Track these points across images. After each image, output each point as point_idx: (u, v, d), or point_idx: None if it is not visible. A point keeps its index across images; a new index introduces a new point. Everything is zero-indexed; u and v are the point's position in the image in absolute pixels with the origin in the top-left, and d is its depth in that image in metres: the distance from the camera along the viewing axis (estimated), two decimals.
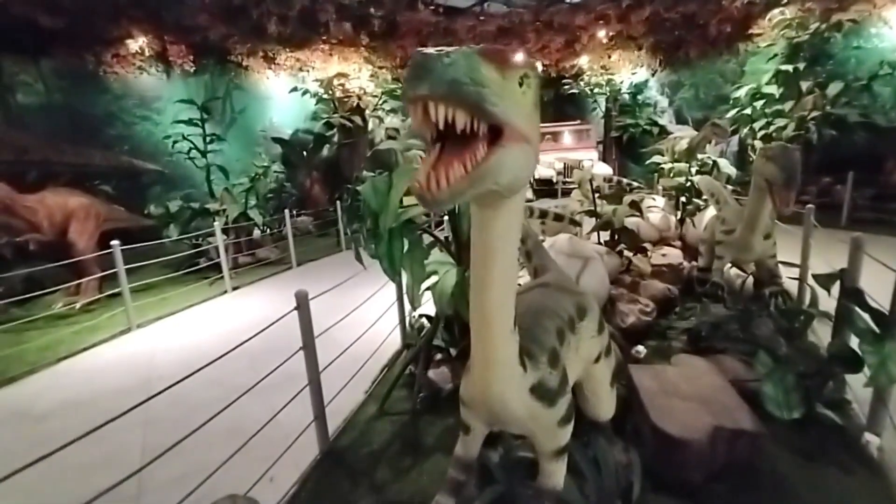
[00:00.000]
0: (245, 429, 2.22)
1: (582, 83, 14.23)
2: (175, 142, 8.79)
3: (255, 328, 2.36)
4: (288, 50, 11.13)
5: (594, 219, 4.46)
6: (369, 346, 3.45)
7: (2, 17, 7.56)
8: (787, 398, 2.36)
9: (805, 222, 4.11)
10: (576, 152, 12.74)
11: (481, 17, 14.06)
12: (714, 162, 6.22)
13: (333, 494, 2.27)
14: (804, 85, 9.47)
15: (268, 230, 8.48)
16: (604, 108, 14.46)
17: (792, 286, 4.06)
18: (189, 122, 8.60)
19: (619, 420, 2.29)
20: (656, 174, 7.60)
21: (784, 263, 4.02)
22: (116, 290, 5.11)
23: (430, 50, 0.84)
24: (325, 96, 11.64)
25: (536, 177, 13.35)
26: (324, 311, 2.89)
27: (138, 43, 9.30)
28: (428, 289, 2.71)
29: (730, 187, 5.18)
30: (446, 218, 3.08)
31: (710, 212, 4.81)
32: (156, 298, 5.69)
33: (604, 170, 10.96)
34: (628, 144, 13.76)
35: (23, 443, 2.96)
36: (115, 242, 4.97)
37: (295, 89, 11.27)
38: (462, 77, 0.81)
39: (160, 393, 1.82)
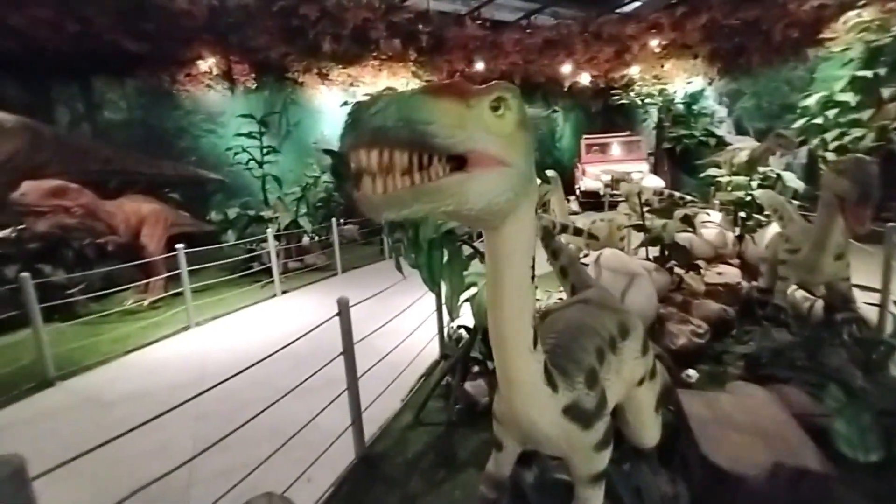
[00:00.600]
0: (286, 429, 2.30)
1: (632, 93, 13.79)
2: (236, 153, 9.42)
3: (301, 331, 2.46)
4: (340, 66, 11.66)
5: (642, 233, 4.29)
6: (407, 355, 3.48)
7: (95, 43, 8.50)
8: (863, 438, 2.12)
9: (886, 242, 3.72)
10: (625, 164, 12.33)
11: (528, 30, 14.05)
12: (778, 175, 5.80)
13: (367, 500, 2.29)
14: (885, 92, 8.64)
15: (316, 237, 8.84)
16: (655, 119, 13.92)
17: (870, 313, 3.67)
18: (248, 136, 9.20)
19: (666, 449, 2.15)
20: (712, 188, 7.19)
21: (860, 287, 3.64)
22: (179, 290, 5.51)
23: (365, 99, 0.87)
24: None
25: (582, 189, 13.06)
26: (364, 318, 2.96)
27: (207, 63, 10.10)
28: (467, 300, 2.71)
29: (796, 203, 4.80)
30: None
31: (773, 228, 4.47)
32: (213, 299, 6.07)
33: (654, 182, 10.53)
34: (682, 156, 13.13)
35: (92, 427, 3.23)
36: (179, 246, 5.38)
37: (346, 103, 11.74)
38: (391, 122, 0.82)
39: (210, 389, 1.93)
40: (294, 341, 2.35)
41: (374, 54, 11.82)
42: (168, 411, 1.76)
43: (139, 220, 6.40)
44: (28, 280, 3.88)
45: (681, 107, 13.33)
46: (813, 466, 1.89)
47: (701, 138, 12.62)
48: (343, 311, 2.47)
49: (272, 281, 6.64)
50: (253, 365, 2.12)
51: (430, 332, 3.86)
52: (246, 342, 4.80)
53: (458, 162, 0.91)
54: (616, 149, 13.59)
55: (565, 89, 14.27)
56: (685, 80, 13.23)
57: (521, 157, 1.03)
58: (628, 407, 1.80)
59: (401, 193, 0.87)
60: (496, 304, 1.17)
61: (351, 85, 12.05)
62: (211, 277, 6.45)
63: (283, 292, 6.64)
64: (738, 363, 3.27)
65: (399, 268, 2.81)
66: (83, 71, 8.94)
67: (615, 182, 9.59)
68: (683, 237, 4.53)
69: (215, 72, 10.27)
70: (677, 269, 4.28)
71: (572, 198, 13.18)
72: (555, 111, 15.23)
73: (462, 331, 3.66)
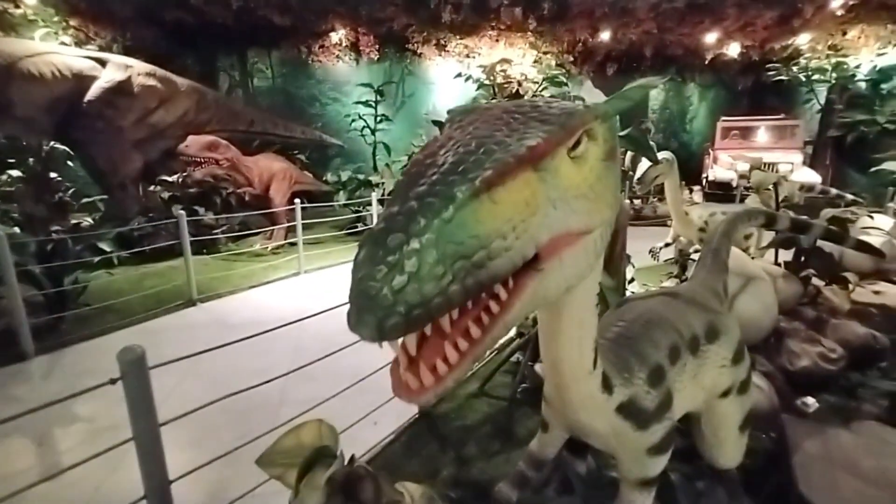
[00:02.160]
0: (364, 372, 2.52)
1: (796, 68, 11.47)
2: (352, 120, 10.18)
3: None
4: (458, 37, 11.69)
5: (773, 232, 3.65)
6: None
7: (252, 17, 9.73)
8: None
9: None
10: (771, 153, 10.46)
11: None
12: None
13: (422, 455, 2.42)
14: None
15: None
16: (823, 100, 11.46)
17: None
18: (365, 104, 9.81)
19: (758, 478, 1.89)
20: (891, 188, 5.78)
21: None
22: (294, 240, 6.25)
23: (370, 255, 0.60)
24: (486, 82, 11.93)
25: (711, 178, 11.47)
26: None
27: (338, 35, 10.93)
28: None
29: None
30: None
31: None
32: (321, 251, 6.77)
33: (806, 176, 8.80)
34: (853, 148, 10.68)
35: (217, 342, 3.90)
36: (297, 201, 6.07)
37: (459, 75, 11.82)
38: (432, 287, 0.54)
39: (303, 319, 2.20)
40: None
41: (493, 24, 11.57)
42: (270, 330, 2.06)
43: (270, 175, 7.34)
44: (183, 216, 4.74)
45: (863, 85, 10.76)
46: None
47: (886, 126, 10.11)
48: None
49: None
50: (341, 305, 2.34)
51: None
52: (345, 292, 5.29)
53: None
54: (762, 134, 11.57)
55: (706, 62, 12.44)
56: (875, 52, 10.57)
57: (608, 204, 0.75)
58: (706, 419, 1.59)
59: (455, 374, 0.64)
60: (551, 333, 1.02)
61: (467, 56, 12.05)
62: (321, 232, 7.17)
63: None
64: (878, 401, 2.67)
65: None
66: (240, 43, 10.35)
67: (752, 170, 8.22)
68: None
69: (344, 43, 11.08)
70: (816, 280, 3.59)
71: (696, 188, 11.69)
72: (674, 80, 13.35)
73: None
